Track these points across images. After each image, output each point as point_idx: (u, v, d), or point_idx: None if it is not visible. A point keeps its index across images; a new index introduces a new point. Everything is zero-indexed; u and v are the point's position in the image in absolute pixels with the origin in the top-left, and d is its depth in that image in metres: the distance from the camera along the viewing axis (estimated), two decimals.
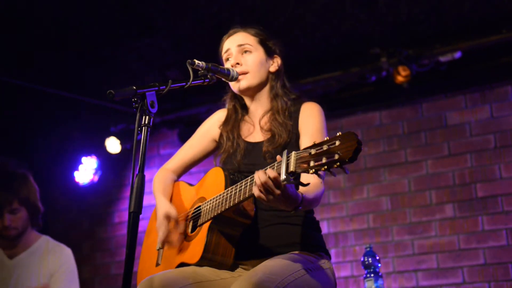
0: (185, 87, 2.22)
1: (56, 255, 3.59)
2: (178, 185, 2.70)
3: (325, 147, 1.78)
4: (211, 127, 2.69)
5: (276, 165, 1.98)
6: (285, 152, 1.91)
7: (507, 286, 4.40)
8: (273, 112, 2.50)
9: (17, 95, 5.33)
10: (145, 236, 2.76)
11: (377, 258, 3.51)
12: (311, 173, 1.81)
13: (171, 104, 5.53)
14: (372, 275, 3.44)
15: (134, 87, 2.02)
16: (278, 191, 1.93)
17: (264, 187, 1.94)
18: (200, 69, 2.27)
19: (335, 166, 1.74)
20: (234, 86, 2.53)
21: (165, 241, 2.44)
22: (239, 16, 4.24)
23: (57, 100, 5.37)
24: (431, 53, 4.73)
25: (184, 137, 5.81)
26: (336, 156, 1.73)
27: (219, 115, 2.69)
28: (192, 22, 4.43)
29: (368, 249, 3.53)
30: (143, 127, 2.02)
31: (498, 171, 4.65)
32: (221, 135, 2.62)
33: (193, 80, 2.24)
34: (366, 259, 3.49)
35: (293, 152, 1.88)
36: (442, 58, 4.71)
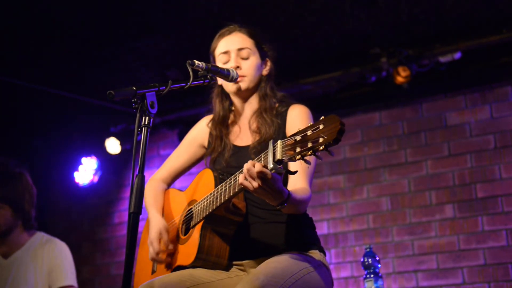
0: (185, 88, 2.21)
1: (51, 248, 3.59)
2: (169, 192, 2.70)
3: (309, 132, 1.81)
4: (198, 134, 2.70)
5: (263, 155, 1.99)
6: (271, 142, 1.92)
7: (507, 287, 4.40)
8: (260, 111, 2.51)
9: (17, 95, 5.34)
10: (140, 246, 2.75)
11: (377, 258, 3.50)
12: (298, 159, 1.82)
13: (171, 104, 5.53)
14: (372, 275, 3.43)
15: (134, 88, 2.01)
16: (264, 179, 1.93)
17: (250, 174, 1.94)
18: (200, 69, 2.26)
19: (321, 149, 1.76)
20: (232, 86, 2.52)
21: (155, 259, 2.45)
22: (239, 16, 4.24)
23: (57, 100, 5.37)
24: (431, 53, 4.73)
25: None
26: (321, 139, 1.76)
27: (205, 121, 2.70)
28: (192, 22, 4.43)
29: (368, 249, 3.53)
30: (143, 128, 2.01)
31: (498, 171, 4.64)
32: (210, 134, 2.63)
33: (193, 81, 2.24)
34: (366, 260, 3.49)
35: (279, 141, 1.90)
36: (442, 58, 4.71)
